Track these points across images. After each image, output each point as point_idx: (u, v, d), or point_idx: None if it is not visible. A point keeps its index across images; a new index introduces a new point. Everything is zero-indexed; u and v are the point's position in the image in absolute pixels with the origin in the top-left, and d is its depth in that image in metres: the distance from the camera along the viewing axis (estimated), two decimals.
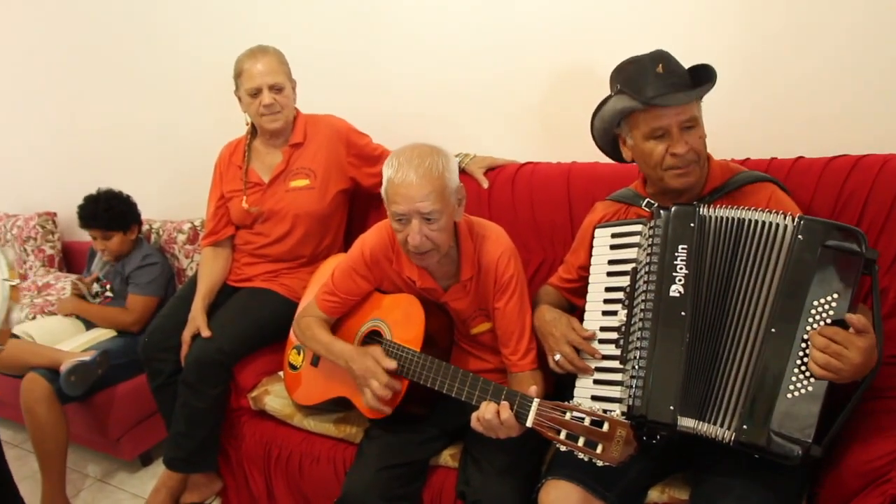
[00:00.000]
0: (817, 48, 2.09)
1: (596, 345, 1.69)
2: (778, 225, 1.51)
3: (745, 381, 1.47)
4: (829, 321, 1.41)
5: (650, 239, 1.63)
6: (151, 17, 3.36)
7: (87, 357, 2.58)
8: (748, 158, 2.06)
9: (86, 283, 3.10)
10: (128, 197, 3.11)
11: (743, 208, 1.57)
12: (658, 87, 1.62)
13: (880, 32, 2.00)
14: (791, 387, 1.41)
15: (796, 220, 1.49)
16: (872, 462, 1.40)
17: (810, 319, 1.43)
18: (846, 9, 2.02)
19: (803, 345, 1.42)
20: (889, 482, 1.36)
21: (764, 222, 1.53)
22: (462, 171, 2.45)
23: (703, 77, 1.66)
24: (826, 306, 1.42)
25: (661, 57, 1.65)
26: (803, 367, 1.41)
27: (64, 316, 3.14)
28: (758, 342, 1.48)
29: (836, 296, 1.42)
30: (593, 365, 1.67)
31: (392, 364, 1.81)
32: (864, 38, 2.02)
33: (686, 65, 1.69)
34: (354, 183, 2.58)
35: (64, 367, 2.50)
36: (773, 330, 1.46)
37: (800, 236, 1.47)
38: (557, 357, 1.72)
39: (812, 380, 1.40)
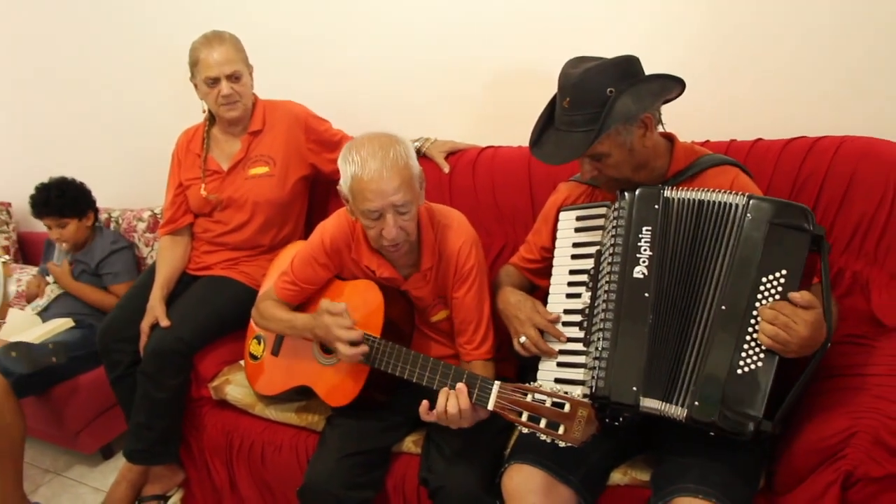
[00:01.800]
0: (778, 33, 2.10)
1: (561, 327, 1.69)
2: (735, 205, 1.52)
3: (699, 360, 1.48)
4: (777, 297, 1.43)
5: (614, 221, 1.63)
6: (109, 1, 3.29)
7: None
8: (708, 140, 2.07)
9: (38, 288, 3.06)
10: (81, 184, 3.05)
11: (706, 190, 1.57)
12: (556, 122, 1.63)
13: (840, 19, 2.02)
14: (741, 363, 1.43)
15: (745, 198, 1.50)
16: (827, 439, 1.42)
17: (759, 296, 1.44)
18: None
19: (752, 321, 1.44)
20: (843, 458, 1.37)
21: (723, 203, 1.53)
22: (423, 156, 2.44)
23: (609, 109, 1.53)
24: (774, 282, 1.44)
25: (578, 84, 1.55)
26: (752, 343, 1.43)
27: (21, 308, 3.09)
28: (710, 320, 1.49)
29: (784, 272, 1.43)
30: (557, 348, 1.67)
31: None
32: (825, 24, 2.04)
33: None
34: (314, 169, 2.55)
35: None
36: (722, 307, 1.48)
37: (748, 215, 1.49)
38: (522, 339, 1.72)
39: (762, 355, 1.42)
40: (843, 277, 1.85)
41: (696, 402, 1.45)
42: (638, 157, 1.64)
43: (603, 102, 1.53)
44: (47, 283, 3.03)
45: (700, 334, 1.50)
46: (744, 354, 1.43)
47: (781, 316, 1.39)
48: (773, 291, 1.44)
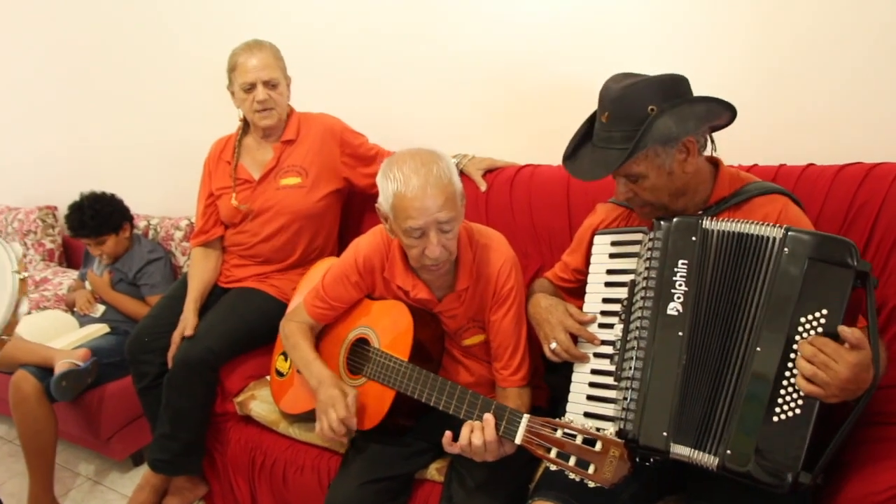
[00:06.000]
0: (832, 54, 2.00)
1: (595, 329, 1.61)
2: (770, 238, 1.42)
3: (732, 404, 1.39)
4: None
5: (650, 252, 1.54)
6: (150, 13, 3.33)
7: (80, 363, 2.54)
8: (756, 164, 1.98)
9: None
10: (112, 196, 3.05)
11: (748, 222, 1.46)
12: (594, 138, 1.56)
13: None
14: (777, 409, 1.33)
15: (782, 231, 1.40)
16: (876, 496, 1.32)
17: (797, 337, 1.34)
18: (860, 15, 1.94)
19: (790, 364, 1.33)
20: None
21: (762, 236, 1.43)
22: (460, 173, 2.38)
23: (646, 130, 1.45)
24: (814, 322, 1.33)
25: (618, 99, 1.49)
26: (790, 389, 1.33)
27: (63, 311, 3.12)
28: (746, 362, 1.39)
29: (825, 311, 1.32)
30: (590, 358, 1.60)
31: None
32: (880, 45, 1.93)
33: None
34: (348, 183, 2.53)
35: (57, 371, 2.46)
36: (758, 349, 1.37)
37: (786, 249, 1.38)
38: (553, 345, 1.64)
39: (800, 401, 1.31)
40: None
41: (729, 451, 1.35)
42: (677, 183, 1.55)
43: (642, 120, 1.45)
44: (92, 295, 3.04)
45: (735, 378, 1.40)
46: (780, 400, 1.33)
47: (821, 354, 1.28)
48: (812, 332, 1.33)
